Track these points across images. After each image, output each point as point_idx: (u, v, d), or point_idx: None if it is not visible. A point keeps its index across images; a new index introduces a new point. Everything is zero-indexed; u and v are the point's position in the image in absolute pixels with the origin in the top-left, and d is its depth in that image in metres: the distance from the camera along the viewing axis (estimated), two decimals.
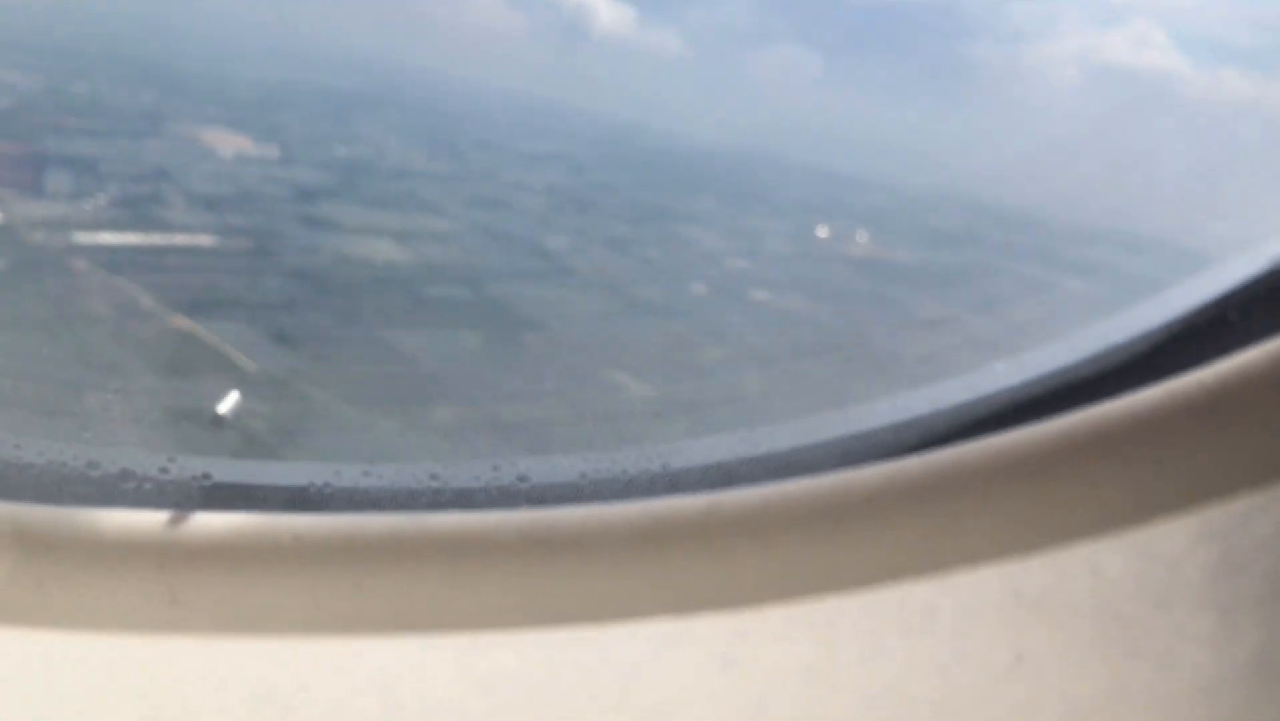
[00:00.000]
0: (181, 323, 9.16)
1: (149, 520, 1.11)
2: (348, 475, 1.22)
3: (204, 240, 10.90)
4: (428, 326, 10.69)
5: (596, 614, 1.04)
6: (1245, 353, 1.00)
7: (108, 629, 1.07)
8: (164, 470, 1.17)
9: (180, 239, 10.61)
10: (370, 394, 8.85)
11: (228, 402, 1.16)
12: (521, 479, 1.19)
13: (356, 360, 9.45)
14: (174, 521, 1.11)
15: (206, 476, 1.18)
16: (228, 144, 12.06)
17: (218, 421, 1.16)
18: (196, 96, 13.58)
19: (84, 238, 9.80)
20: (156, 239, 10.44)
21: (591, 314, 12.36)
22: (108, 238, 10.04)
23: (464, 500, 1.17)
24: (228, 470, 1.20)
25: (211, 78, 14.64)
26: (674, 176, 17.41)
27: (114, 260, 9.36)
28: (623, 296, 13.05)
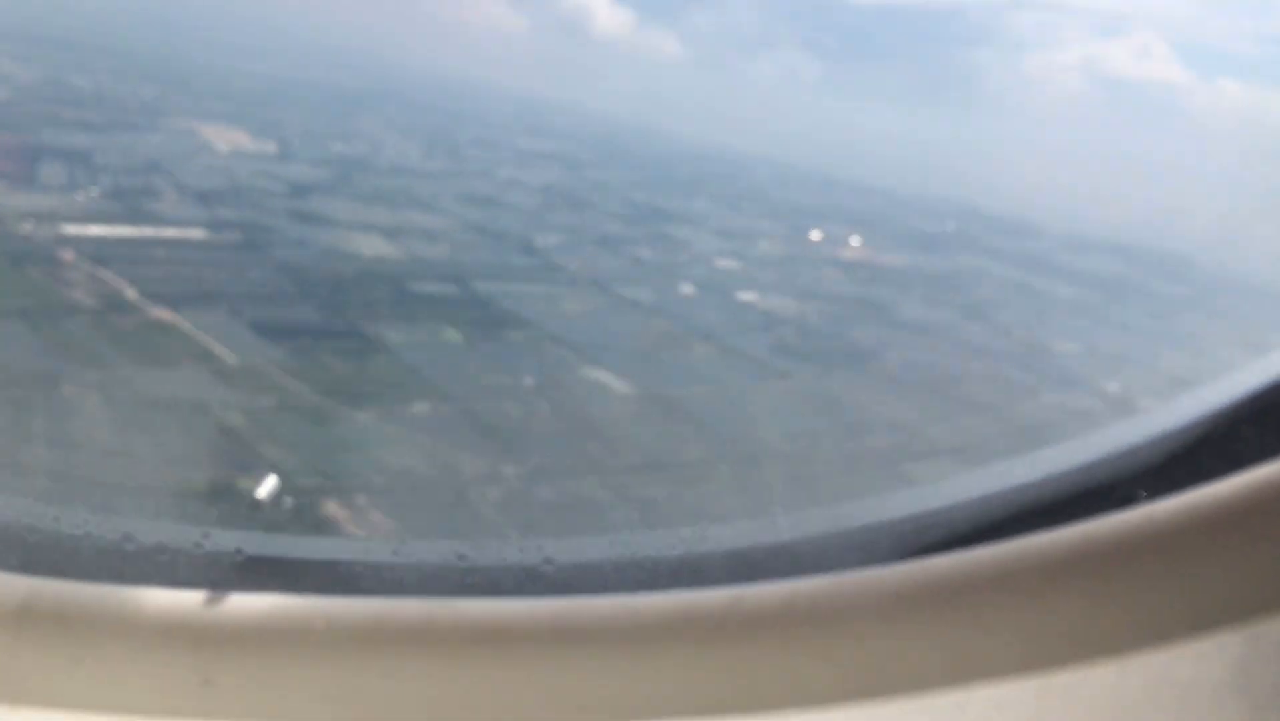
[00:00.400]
0: (164, 314, 9.13)
1: (184, 600, 1.13)
2: (376, 552, 1.23)
3: (194, 234, 10.87)
4: (411, 322, 10.70)
5: (616, 712, 1.06)
6: (1262, 468, 1.02)
7: (141, 710, 1.09)
8: (198, 545, 1.19)
9: (170, 232, 10.59)
10: (349, 388, 8.87)
11: (266, 487, 1.18)
12: (547, 561, 1.22)
13: (337, 354, 9.47)
14: (209, 602, 1.12)
15: (239, 551, 1.19)
16: (225, 139, 12.03)
17: (255, 506, 1.17)
18: (197, 91, 13.53)
19: (73, 229, 9.78)
20: (146, 231, 10.41)
21: (577, 312, 12.38)
22: (97, 230, 10.01)
23: (491, 583, 1.19)
24: (260, 544, 1.22)
25: (213, 73, 14.59)
26: (670, 177, 17.41)
27: (101, 252, 9.34)
28: (610, 295, 13.07)
